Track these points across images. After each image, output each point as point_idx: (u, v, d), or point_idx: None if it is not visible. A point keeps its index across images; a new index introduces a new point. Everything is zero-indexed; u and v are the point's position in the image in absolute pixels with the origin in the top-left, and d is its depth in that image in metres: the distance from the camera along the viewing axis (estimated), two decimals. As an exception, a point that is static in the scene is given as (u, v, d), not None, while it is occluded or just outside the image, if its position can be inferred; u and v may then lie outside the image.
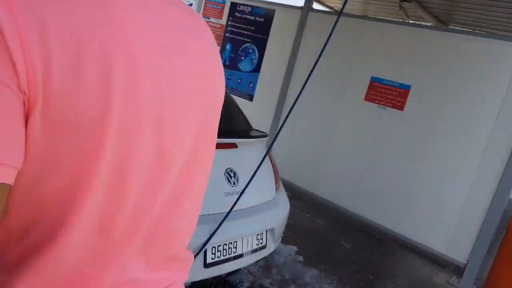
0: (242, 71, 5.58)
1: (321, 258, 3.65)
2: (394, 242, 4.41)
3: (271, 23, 5.30)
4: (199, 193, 0.85)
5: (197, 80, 0.71)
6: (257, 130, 2.97)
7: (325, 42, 2.34)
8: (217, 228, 2.09)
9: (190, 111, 0.71)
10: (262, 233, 2.54)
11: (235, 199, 2.40)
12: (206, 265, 2.19)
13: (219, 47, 5.85)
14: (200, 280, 2.21)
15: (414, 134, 4.23)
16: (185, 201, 0.76)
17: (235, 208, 2.41)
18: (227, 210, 2.35)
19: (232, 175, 2.43)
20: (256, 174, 2.67)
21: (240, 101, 5.52)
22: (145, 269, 0.72)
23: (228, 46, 5.76)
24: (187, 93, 0.69)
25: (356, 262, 3.79)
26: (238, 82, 5.63)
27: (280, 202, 2.78)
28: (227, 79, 5.77)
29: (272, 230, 2.60)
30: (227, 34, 5.77)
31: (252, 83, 5.50)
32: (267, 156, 2.88)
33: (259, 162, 2.74)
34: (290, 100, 5.20)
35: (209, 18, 6.02)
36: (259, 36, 5.42)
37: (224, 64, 5.81)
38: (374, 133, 4.51)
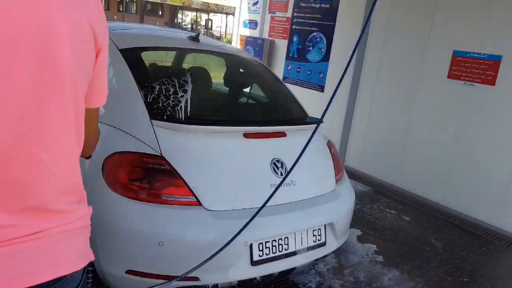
0: (311, 61, 5.31)
1: (404, 258, 3.23)
2: (497, 239, 3.77)
3: (337, 8, 4.96)
4: (59, 146, 0.82)
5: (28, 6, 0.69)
6: (313, 117, 2.70)
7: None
8: (248, 223, 1.89)
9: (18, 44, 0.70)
10: (319, 229, 2.27)
11: (284, 191, 2.18)
12: (253, 263, 2.00)
13: (286, 41, 5.66)
14: (249, 279, 2.03)
15: (510, 111, 3.58)
16: (40, 152, 0.77)
17: (286, 200, 2.19)
18: (275, 203, 2.13)
19: (279, 165, 2.21)
20: (311, 164, 2.42)
21: (311, 93, 5.27)
22: (4, 217, 0.76)
23: (295, 38, 5.54)
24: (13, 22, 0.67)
25: (448, 262, 3.28)
26: (308, 74, 5.37)
27: (342, 194, 2.48)
28: (296, 72, 5.55)
29: (331, 225, 2.32)
30: (294, 26, 5.55)
31: (322, 73, 5.20)
32: (326, 145, 2.61)
33: (314, 151, 2.49)
34: (363, 86, 4.81)
35: (274, 13, 5.86)
36: (326, 23, 5.11)
37: (292, 56, 5.61)
38: (461, 114, 3.93)
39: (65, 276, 0.86)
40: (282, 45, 5.79)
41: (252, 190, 2.08)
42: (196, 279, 1.90)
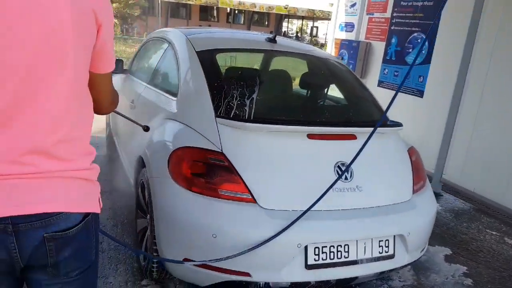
0: (410, 64, 4.97)
1: (500, 285, 2.83)
2: None
3: (442, 5, 4.56)
4: (59, 102, 0.97)
5: None
6: (393, 121, 2.52)
7: None
8: (294, 222, 1.84)
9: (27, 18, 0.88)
10: (387, 240, 2.11)
11: (348, 196, 2.07)
12: (308, 266, 1.94)
13: (383, 43, 5.38)
14: (303, 282, 1.97)
15: None
16: (41, 104, 0.94)
17: (349, 206, 2.08)
18: (336, 208, 2.04)
19: (344, 169, 2.10)
20: (384, 170, 2.27)
21: (409, 99, 4.93)
22: (12, 155, 0.93)
23: (393, 40, 5.24)
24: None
25: (558, 296, 2.80)
26: (406, 78, 5.03)
27: (419, 205, 2.27)
28: (393, 76, 5.24)
29: (402, 237, 2.13)
30: (392, 27, 5.25)
31: (422, 77, 4.83)
32: (406, 152, 2.42)
33: (389, 157, 2.33)
34: (468, 94, 4.34)
35: (372, 14, 5.62)
36: (429, 22, 4.73)
37: (389, 59, 5.32)
38: None
39: (58, 213, 0.99)
40: (378, 48, 5.52)
41: (312, 192, 2.01)
42: (248, 274, 1.91)
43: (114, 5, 19.35)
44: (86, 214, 1.07)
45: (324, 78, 2.64)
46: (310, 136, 2.10)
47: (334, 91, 2.55)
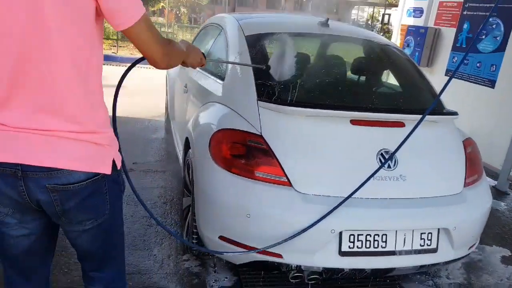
0: (482, 52, 4.60)
1: None
2: None
3: (522, -14, 4.16)
4: (62, 62, 1.06)
5: None
6: (449, 110, 2.37)
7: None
8: (334, 208, 1.80)
9: None
10: (430, 233, 2.01)
11: (390, 185, 2.00)
12: (341, 253, 1.91)
13: (455, 28, 5.03)
14: (336, 269, 1.94)
15: None
16: (44, 65, 1.04)
17: (390, 195, 2.01)
18: (375, 197, 1.98)
19: (387, 157, 2.03)
20: (433, 160, 2.16)
21: (479, 89, 4.59)
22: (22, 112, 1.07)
23: (465, 26, 4.87)
24: None
25: None
26: (477, 67, 4.67)
27: (469, 200, 2.12)
28: (463, 65, 4.89)
29: (447, 231, 2.02)
30: (465, 12, 4.89)
31: (494, 66, 4.46)
32: (461, 142, 2.28)
33: (440, 147, 2.21)
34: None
35: (444, -2, 5.27)
36: (507, 5, 4.34)
37: (459, 46, 4.98)
38: None
39: (59, 169, 1.10)
40: (448, 34, 5.17)
41: (350, 179, 1.97)
42: (279, 256, 1.92)
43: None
44: (95, 174, 1.17)
45: (377, 63, 2.54)
46: (354, 122, 2.04)
47: (388, 78, 2.44)
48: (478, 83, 4.63)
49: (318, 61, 2.38)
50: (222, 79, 2.53)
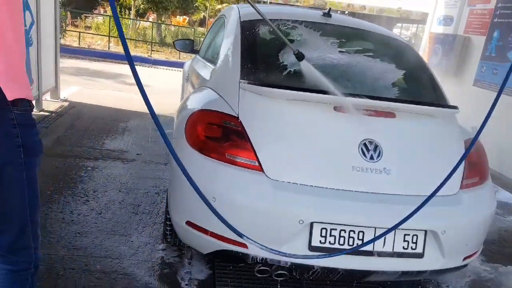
0: (512, 61, 4.29)
1: None
2: None
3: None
4: None
5: None
6: (451, 105, 2.17)
7: None
8: (417, 210, 1.60)
9: None
10: (415, 235, 1.81)
11: (369, 178, 1.82)
12: (311, 248, 1.74)
13: (485, 36, 4.74)
14: (305, 265, 1.77)
15: None
16: None
17: (371, 189, 1.83)
18: (353, 189, 1.81)
19: (371, 148, 1.85)
20: (425, 156, 1.96)
21: (508, 101, 4.26)
22: None
23: (495, 34, 4.57)
24: None
25: None
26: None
27: (465, 202, 1.91)
28: (492, 74, 4.58)
29: (435, 234, 1.81)
30: (495, 19, 4.59)
31: (525, 76, 4.14)
32: (461, 141, 2.07)
33: (436, 143, 2.01)
34: None
35: (474, 6, 4.98)
36: (541, 13, 4.04)
37: (489, 55, 4.68)
38: None
39: None
40: (477, 43, 4.87)
41: (327, 168, 1.81)
42: (245, 246, 1.78)
43: (223, 4, 20.29)
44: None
45: (373, 51, 2.36)
46: (337, 108, 1.89)
47: (381, 66, 2.26)
48: (509, 95, 4.31)
49: (314, 48, 2.25)
50: (215, 64, 2.45)
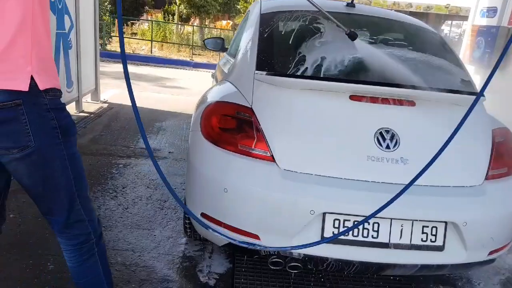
0: (560, 50, 4.00)
1: None
2: None
3: None
4: None
5: None
6: (475, 92, 2.05)
7: None
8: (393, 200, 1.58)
9: None
10: (435, 226, 1.72)
11: (386, 168, 1.76)
12: (324, 239, 1.70)
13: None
14: (319, 257, 1.73)
15: None
16: None
17: (388, 180, 1.77)
18: (368, 180, 1.75)
19: (387, 137, 1.79)
20: (449, 146, 1.86)
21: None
22: None
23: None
24: None
25: None
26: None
27: (490, 194, 1.80)
28: (538, 65, 4.28)
29: (456, 226, 1.71)
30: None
31: None
32: (489, 130, 1.96)
33: (461, 131, 1.91)
34: None
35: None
36: None
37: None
38: None
39: None
40: (523, 33, 4.59)
41: (341, 159, 1.76)
42: (257, 237, 1.76)
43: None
44: (6, 97, 1.14)
45: (395, 39, 2.28)
46: (353, 97, 1.84)
47: (404, 54, 2.17)
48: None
49: (334, 37, 2.20)
50: (235, 57, 2.47)
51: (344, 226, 1.71)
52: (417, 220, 1.71)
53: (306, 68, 2.02)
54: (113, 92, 6.51)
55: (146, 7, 21.65)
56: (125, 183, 3.17)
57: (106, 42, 13.00)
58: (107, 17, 14.44)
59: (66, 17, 4.39)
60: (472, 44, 5.40)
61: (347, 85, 1.86)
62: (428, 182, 1.78)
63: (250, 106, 1.91)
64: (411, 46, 2.23)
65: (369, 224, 1.71)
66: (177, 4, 17.26)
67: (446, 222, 1.72)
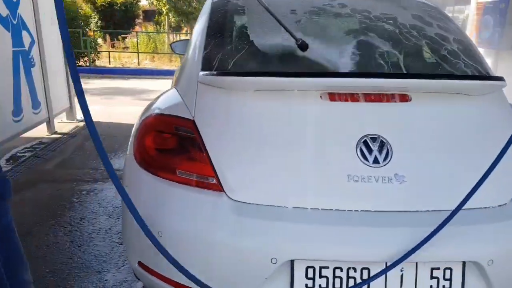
0: None
1: None
2: None
3: None
4: None
5: None
6: (493, 76, 1.56)
7: None
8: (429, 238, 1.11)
9: None
10: (449, 268, 1.24)
11: (374, 190, 1.27)
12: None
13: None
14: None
15: None
16: None
17: (379, 207, 1.29)
18: (351, 209, 1.28)
19: (374, 147, 1.31)
20: (457, 152, 1.38)
21: None
22: None
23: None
24: None
25: None
26: None
27: (524, 215, 1.30)
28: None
29: (479, 266, 1.23)
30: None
31: None
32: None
33: (473, 132, 1.43)
34: None
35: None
36: None
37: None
38: None
39: None
40: (535, 7, 4.07)
41: (312, 182, 1.29)
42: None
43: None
44: None
45: (383, 17, 1.79)
46: (326, 96, 1.37)
47: (395, 35, 1.69)
48: None
49: (288, 24, 1.73)
50: (183, 58, 2.01)
51: (321, 276, 1.23)
52: (423, 262, 1.22)
53: (264, 63, 1.56)
54: (94, 109, 6.09)
55: (137, 20, 21.39)
56: (84, 214, 2.73)
57: (95, 58, 12.65)
58: (93, 32, 14.14)
59: (24, 33, 3.98)
60: (479, 24, 4.88)
61: (316, 80, 1.38)
62: (434, 206, 1.29)
63: (192, 119, 1.44)
64: (401, 23, 1.74)
65: (355, 271, 1.23)
66: (165, 13, 16.93)
67: (464, 262, 1.23)
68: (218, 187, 1.32)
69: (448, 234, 1.23)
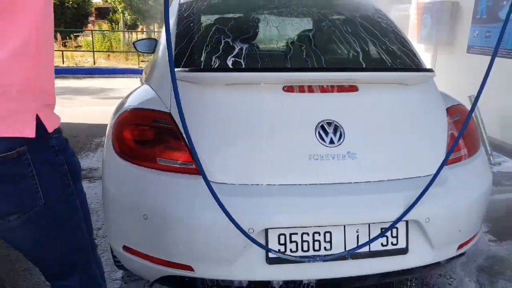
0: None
1: None
2: None
3: None
4: None
5: None
6: (424, 68, 1.83)
7: None
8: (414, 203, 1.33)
9: None
10: (395, 227, 1.48)
11: (331, 166, 1.50)
12: (270, 261, 1.43)
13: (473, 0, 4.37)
14: (261, 281, 1.46)
15: None
16: None
17: (335, 180, 1.51)
18: (312, 182, 1.49)
19: (330, 130, 1.53)
20: (397, 131, 1.64)
21: (503, 63, 3.90)
22: None
23: (483, -7, 4.22)
24: None
25: None
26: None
27: (451, 181, 1.57)
28: (484, 38, 4.22)
29: (418, 224, 1.48)
30: (482, -23, 4.24)
31: (521, 34, 3.77)
32: (443, 109, 1.74)
33: (411, 114, 1.68)
34: None
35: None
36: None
37: (479, 18, 4.32)
38: None
39: None
40: (467, 6, 4.52)
41: (279, 162, 1.49)
42: (190, 268, 1.47)
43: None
44: (8, 146, 0.87)
45: (325, 18, 2.03)
46: (288, 88, 1.58)
47: (340, 33, 1.93)
48: (503, 56, 3.94)
49: (251, 23, 1.94)
50: (154, 55, 2.16)
51: (291, 241, 1.44)
52: (374, 223, 1.46)
53: (231, 59, 1.74)
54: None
55: (90, 18, 20.81)
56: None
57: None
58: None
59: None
60: (420, 23, 5.32)
61: (278, 74, 1.59)
62: (380, 177, 1.54)
63: (169, 111, 1.60)
64: (348, 24, 1.99)
65: (319, 235, 1.45)
66: (120, 11, 16.63)
67: (406, 221, 1.48)
68: (196, 171, 1.49)
69: (393, 199, 1.48)
